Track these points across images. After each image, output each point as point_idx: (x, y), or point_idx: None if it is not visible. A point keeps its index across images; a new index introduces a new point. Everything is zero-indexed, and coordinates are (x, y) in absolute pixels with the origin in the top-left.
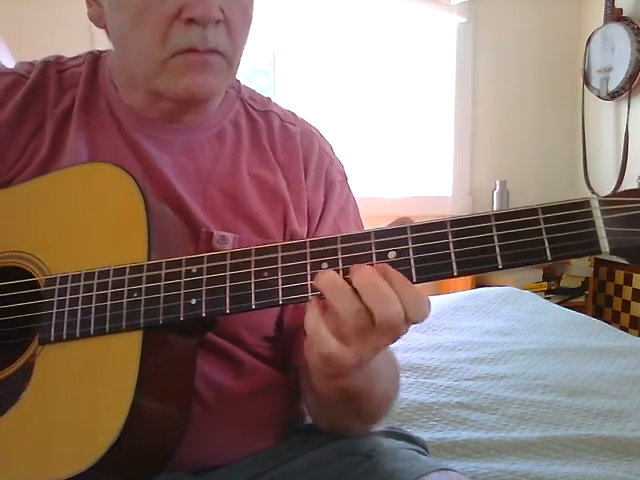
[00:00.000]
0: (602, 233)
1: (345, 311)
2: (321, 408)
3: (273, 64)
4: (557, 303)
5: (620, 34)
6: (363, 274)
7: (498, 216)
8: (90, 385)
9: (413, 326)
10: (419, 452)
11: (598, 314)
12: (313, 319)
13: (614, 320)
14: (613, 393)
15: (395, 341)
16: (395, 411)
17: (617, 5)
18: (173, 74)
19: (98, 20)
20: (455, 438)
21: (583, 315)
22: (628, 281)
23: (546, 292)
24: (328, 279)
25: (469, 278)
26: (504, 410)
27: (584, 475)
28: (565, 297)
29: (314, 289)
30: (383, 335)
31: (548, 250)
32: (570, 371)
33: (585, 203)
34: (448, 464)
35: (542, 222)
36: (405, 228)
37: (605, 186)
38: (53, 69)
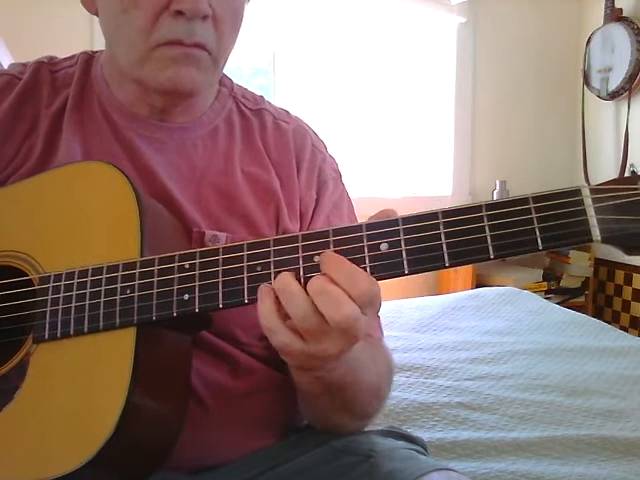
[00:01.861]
0: (593, 221)
1: (294, 314)
2: (306, 403)
3: (273, 64)
4: (557, 303)
5: (620, 34)
6: (313, 281)
7: (489, 206)
8: (84, 382)
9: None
10: (419, 452)
11: (598, 314)
12: (266, 309)
13: (614, 320)
14: (613, 393)
15: (359, 339)
16: (395, 411)
17: (617, 5)
18: (158, 64)
19: (90, 5)
20: (455, 438)
21: (583, 315)
22: (628, 281)
23: (546, 292)
24: (281, 281)
25: (469, 278)
26: (504, 410)
27: (584, 475)
28: (565, 297)
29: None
30: (343, 334)
31: (539, 239)
32: (570, 371)
33: (576, 192)
34: (448, 464)
35: (533, 211)
36: (397, 220)
37: None
38: (46, 70)
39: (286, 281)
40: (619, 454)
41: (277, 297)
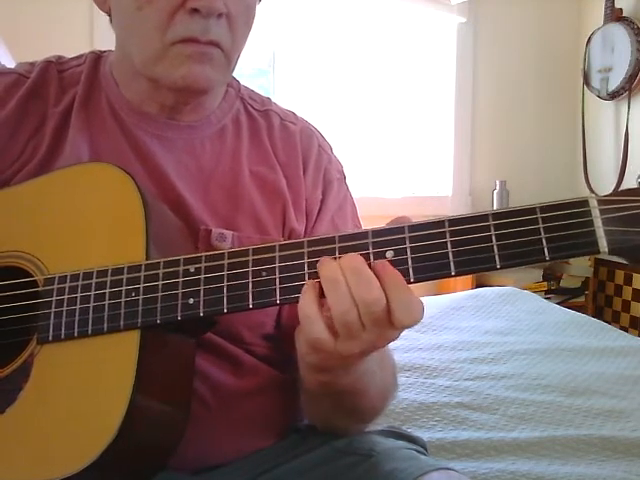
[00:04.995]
0: (601, 233)
1: (336, 306)
2: (310, 403)
3: (273, 64)
4: (557, 303)
5: (620, 34)
6: (349, 258)
7: (496, 215)
8: (88, 384)
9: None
10: (419, 452)
11: (598, 314)
12: (308, 301)
13: (614, 320)
14: (613, 393)
15: (385, 345)
16: (395, 411)
17: (617, 5)
18: (172, 62)
19: (102, 3)
20: (455, 438)
21: (583, 315)
22: (628, 281)
23: (546, 292)
24: (330, 270)
25: (469, 278)
26: (504, 410)
27: (584, 475)
28: (565, 297)
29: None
30: (372, 333)
31: (546, 250)
32: (570, 371)
33: (584, 202)
34: (448, 464)
35: (540, 221)
36: (403, 227)
37: (605, 186)
38: (54, 69)
39: (335, 269)
40: (619, 454)
41: (321, 290)
